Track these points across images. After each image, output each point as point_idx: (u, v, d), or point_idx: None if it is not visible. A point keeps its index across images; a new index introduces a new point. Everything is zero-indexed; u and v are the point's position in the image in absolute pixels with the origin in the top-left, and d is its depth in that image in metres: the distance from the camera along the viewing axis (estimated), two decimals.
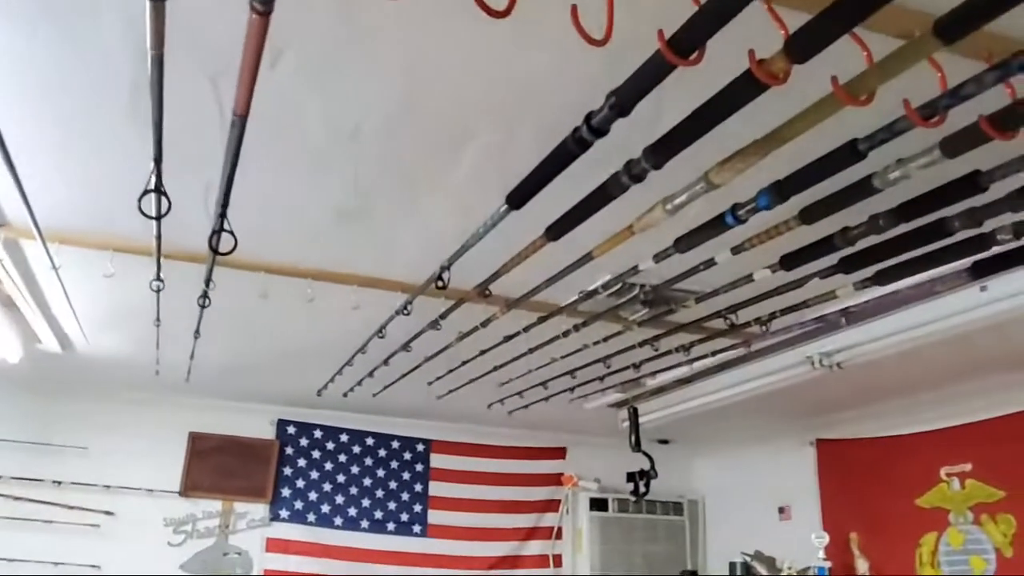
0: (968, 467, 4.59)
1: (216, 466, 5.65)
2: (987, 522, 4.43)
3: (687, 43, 1.38)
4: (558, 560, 6.40)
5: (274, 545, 5.64)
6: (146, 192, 1.97)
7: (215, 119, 2.16)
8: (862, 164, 1.80)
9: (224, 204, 2.18)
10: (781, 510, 5.95)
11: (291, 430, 5.93)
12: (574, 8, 1.45)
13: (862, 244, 2.27)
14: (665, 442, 6.52)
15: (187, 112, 2.09)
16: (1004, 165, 1.81)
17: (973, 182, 1.88)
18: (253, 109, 1.69)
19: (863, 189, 1.92)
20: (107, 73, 2.01)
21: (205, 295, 3.03)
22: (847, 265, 2.44)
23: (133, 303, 3.56)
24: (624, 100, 1.56)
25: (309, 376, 4.83)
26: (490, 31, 1.54)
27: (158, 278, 2.84)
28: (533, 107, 2.11)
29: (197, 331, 3.60)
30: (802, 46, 1.38)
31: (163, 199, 1.98)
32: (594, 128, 1.66)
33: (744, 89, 1.48)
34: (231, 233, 2.23)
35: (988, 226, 2.10)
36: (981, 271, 2.44)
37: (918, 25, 1.61)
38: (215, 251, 2.27)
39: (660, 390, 5.09)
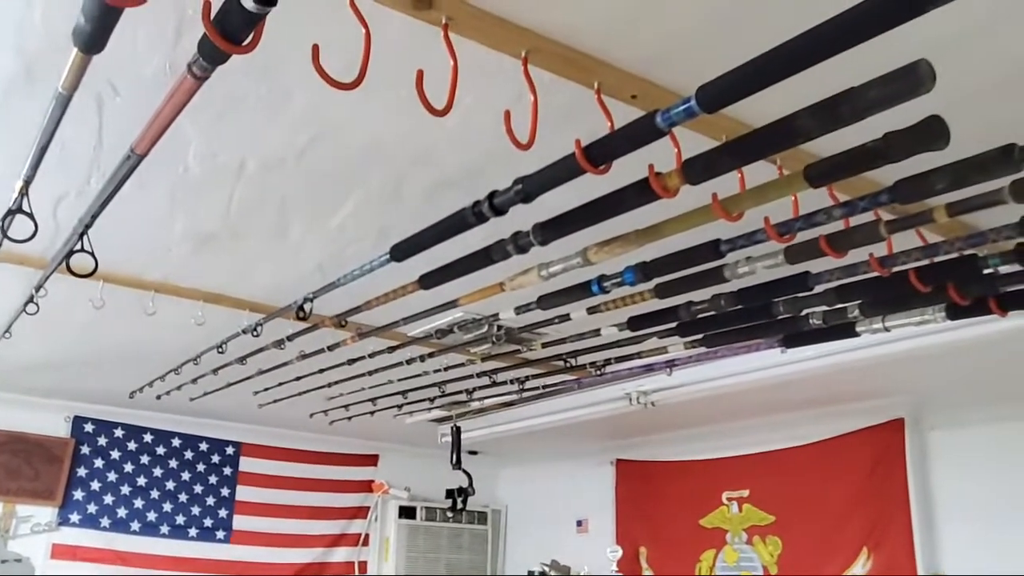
0: (746, 493, 5.14)
1: None
2: (758, 543, 4.99)
3: (600, 155, 1.52)
4: (363, 567, 6.41)
5: (61, 551, 5.22)
6: (10, 213, 1.85)
7: (89, 140, 2.05)
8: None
9: (88, 225, 2.07)
10: (579, 523, 6.32)
11: (88, 428, 5.50)
12: (506, 115, 1.56)
13: (700, 315, 2.55)
14: (474, 453, 6.71)
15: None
16: (828, 271, 2.13)
17: (803, 281, 2.19)
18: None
19: (714, 276, 2.17)
20: None
21: (32, 300, 2.81)
22: (683, 329, 2.72)
23: None
24: (530, 189, 1.68)
25: (123, 378, 4.53)
26: (397, 98, 1.66)
27: None
28: (426, 169, 2.19)
29: (8, 331, 3.31)
30: (697, 171, 1.56)
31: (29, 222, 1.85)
32: (496, 207, 1.77)
33: (638, 194, 1.65)
34: (91, 254, 2.11)
35: (804, 311, 2.45)
36: (791, 342, 2.81)
37: (782, 157, 1.88)
38: (71, 271, 2.14)
39: (482, 410, 5.27)
